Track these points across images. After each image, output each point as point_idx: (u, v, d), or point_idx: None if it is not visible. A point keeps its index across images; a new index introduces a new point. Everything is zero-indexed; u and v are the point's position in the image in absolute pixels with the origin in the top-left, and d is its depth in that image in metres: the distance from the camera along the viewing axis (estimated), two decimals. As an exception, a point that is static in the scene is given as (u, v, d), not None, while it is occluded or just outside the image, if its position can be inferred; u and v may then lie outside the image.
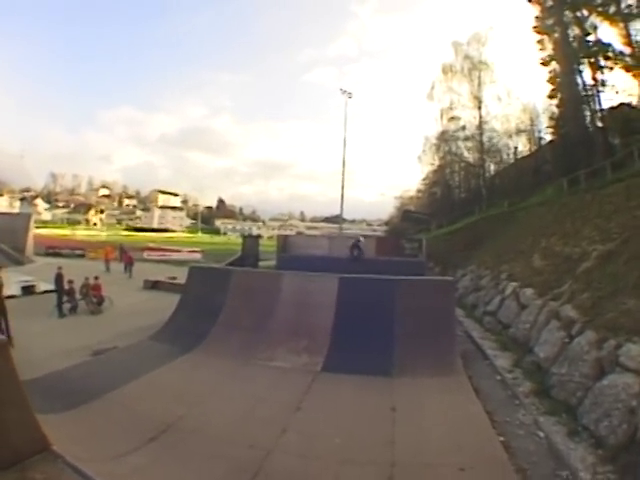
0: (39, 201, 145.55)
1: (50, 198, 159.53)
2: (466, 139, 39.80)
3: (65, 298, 17.45)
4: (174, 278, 23.76)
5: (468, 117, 39.39)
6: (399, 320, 11.36)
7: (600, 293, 9.51)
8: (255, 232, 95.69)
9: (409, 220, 56.09)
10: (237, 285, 13.93)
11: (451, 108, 39.90)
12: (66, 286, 17.64)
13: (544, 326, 10.56)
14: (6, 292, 15.46)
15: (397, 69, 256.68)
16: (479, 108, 38.57)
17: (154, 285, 24.40)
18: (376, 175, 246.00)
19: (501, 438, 6.86)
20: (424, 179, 55.57)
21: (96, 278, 19.67)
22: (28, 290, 19.16)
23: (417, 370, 9.78)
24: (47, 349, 12.00)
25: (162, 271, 26.40)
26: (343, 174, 45.27)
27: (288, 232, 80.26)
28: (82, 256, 39.72)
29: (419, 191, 61.99)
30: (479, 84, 38.61)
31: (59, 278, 17.53)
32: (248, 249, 32.30)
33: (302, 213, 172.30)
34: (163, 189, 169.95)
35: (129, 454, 6.46)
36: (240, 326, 12.30)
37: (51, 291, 18.03)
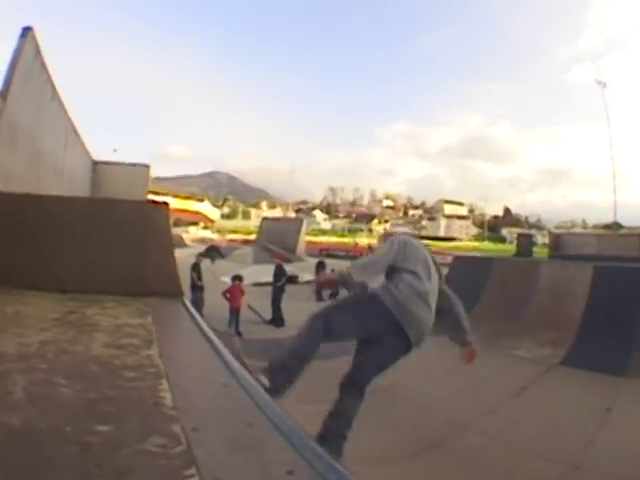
0: (317, 212, 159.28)
1: (329, 209, 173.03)
2: None
3: (327, 284, 18.54)
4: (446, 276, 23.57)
5: None
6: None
7: None
8: (540, 240, 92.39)
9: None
10: (497, 274, 13.72)
11: None
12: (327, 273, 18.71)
13: None
14: (261, 279, 18.88)
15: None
16: None
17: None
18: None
19: None
20: None
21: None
22: (291, 280, 20.51)
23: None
24: (296, 322, 12.74)
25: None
26: (613, 175, 41.43)
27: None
28: (356, 258, 40.85)
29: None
30: None
31: (319, 266, 18.67)
32: (522, 247, 31.32)
33: (583, 221, 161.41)
34: (449, 199, 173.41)
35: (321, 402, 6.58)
36: (495, 315, 11.79)
37: (313, 281, 19.10)
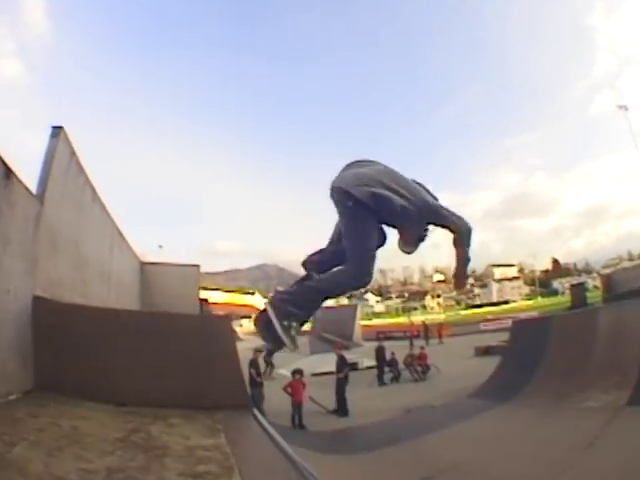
0: (369, 295, 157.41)
1: (381, 291, 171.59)
2: None
3: (387, 369, 18.66)
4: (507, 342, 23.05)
5: None
6: None
7: None
8: (591, 284, 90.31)
9: None
10: (556, 331, 13.42)
11: None
12: (387, 357, 18.95)
13: None
14: (320, 369, 18.66)
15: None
16: None
17: (486, 351, 24.06)
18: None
19: None
20: None
21: (422, 348, 21.09)
22: (353, 367, 20.53)
23: None
24: (360, 409, 13.18)
25: (497, 338, 25.08)
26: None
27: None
28: (416, 337, 39.92)
29: None
30: None
31: (379, 351, 18.96)
32: (575, 298, 32.03)
33: (629, 252, 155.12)
34: (497, 262, 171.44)
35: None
36: (559, 373, 11.62)
37: (373, 367, 19.59)
